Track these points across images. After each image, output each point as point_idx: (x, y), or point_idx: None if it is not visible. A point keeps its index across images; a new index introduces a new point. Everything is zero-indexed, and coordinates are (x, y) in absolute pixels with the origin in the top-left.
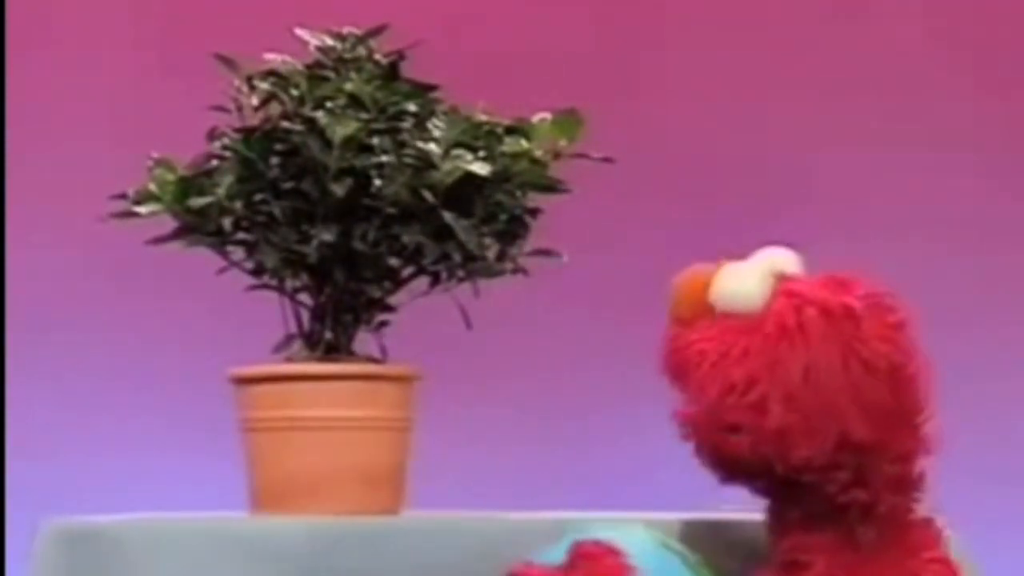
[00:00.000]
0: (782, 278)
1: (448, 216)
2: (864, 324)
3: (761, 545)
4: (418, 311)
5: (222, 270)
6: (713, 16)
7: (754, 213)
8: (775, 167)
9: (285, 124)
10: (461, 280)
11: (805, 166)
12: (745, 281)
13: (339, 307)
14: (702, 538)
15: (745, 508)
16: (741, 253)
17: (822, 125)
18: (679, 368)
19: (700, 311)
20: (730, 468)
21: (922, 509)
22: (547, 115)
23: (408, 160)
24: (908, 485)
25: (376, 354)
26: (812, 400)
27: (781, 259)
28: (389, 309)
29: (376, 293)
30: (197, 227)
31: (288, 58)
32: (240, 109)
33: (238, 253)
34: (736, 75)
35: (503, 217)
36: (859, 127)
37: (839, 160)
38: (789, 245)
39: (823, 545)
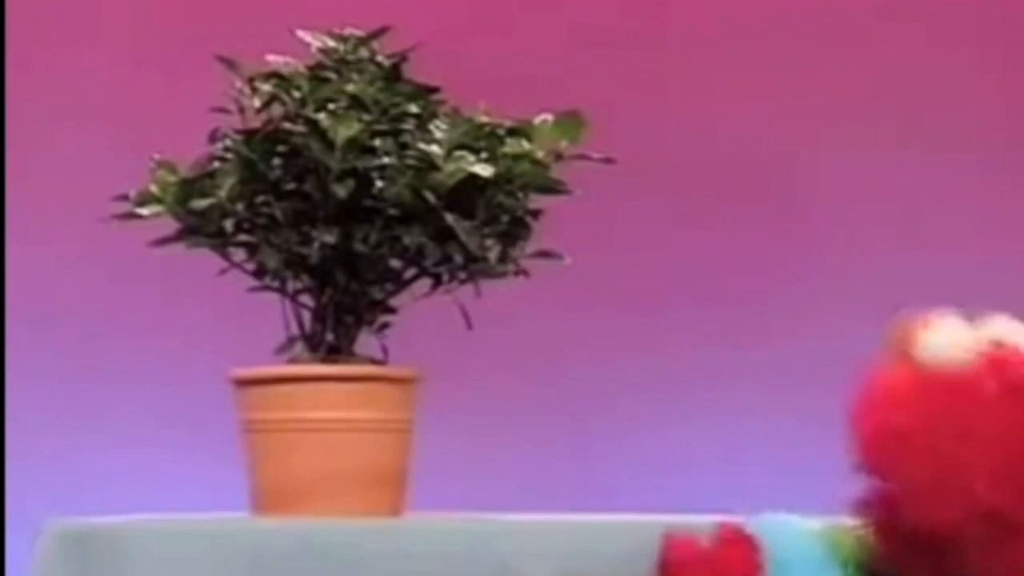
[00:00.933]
0: (997, 345)
1: (450, 217)
2: None
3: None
4: (419, 313)
5: (223, 271)
6: (714, 16)
7: (755, 213)
8: (776, 167)
9: (287, 125)
10: (463, 282)
11: (806, 166)
12: (949, 335)
13: (340, 309)
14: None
15: (748, 510)
16: (742, 253)
17: (823, 125)
18: (857, 394)
19: (906, 353)
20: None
21: None
22: (549, 116)
23: (410, 162)
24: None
25: (377, 356)
26: (955, 459)
27: (1006, 327)
28: (390, 311)
29: (377, 295)
30: (199, 228)
31: (290, 60)
32: (242, 111)
33: (240, 254)
34: (737, 75)
35: (505, 218)
36: (860, 127)
37: (840, 160)
38: (790, 246)
39: None
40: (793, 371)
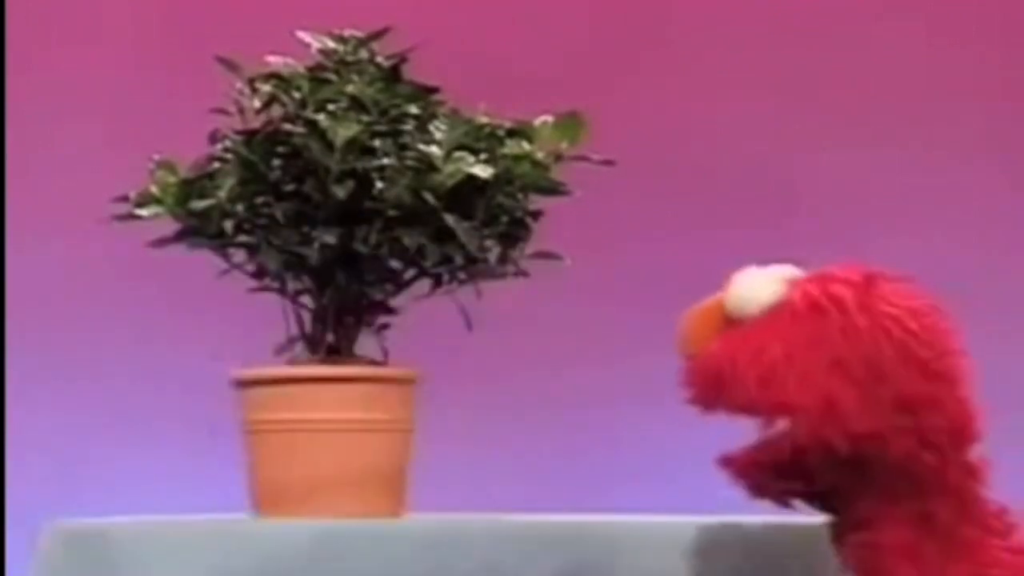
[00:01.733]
0: (792, 280)
1: (449, 218)
2: (887, 289)
3: (774, 549)
4: (419, 313)
5: (224, 272)
6: (714, 16)
7: (755, 214)
8: (776, 168)
9: (287, 126)
10: (462, 282)
11: (807, 166)
12: (759, 282)
13: (341, 309)
14: (707, 541)
15: (750, 512)
16: (742, 254)
17: (824, 126)
18: (711, 383)
19: (715, 334)
20: (791, 470)
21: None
22: (549, 117)
23: (409, 162)
24: (974, 460)
25: (378, 356)
26: (860, 365)
27: (789, 270)
28: (390, 311)
29: (377, 295)
30: (199, 229)
31: (290, 60)
32: (242, 111)
33: (240, 255)
34: (737, 76)
35: (504, 219)
36: (861, 128)
37: (841, 161)
38: (791, 246)
39: (899, 544)
40: None
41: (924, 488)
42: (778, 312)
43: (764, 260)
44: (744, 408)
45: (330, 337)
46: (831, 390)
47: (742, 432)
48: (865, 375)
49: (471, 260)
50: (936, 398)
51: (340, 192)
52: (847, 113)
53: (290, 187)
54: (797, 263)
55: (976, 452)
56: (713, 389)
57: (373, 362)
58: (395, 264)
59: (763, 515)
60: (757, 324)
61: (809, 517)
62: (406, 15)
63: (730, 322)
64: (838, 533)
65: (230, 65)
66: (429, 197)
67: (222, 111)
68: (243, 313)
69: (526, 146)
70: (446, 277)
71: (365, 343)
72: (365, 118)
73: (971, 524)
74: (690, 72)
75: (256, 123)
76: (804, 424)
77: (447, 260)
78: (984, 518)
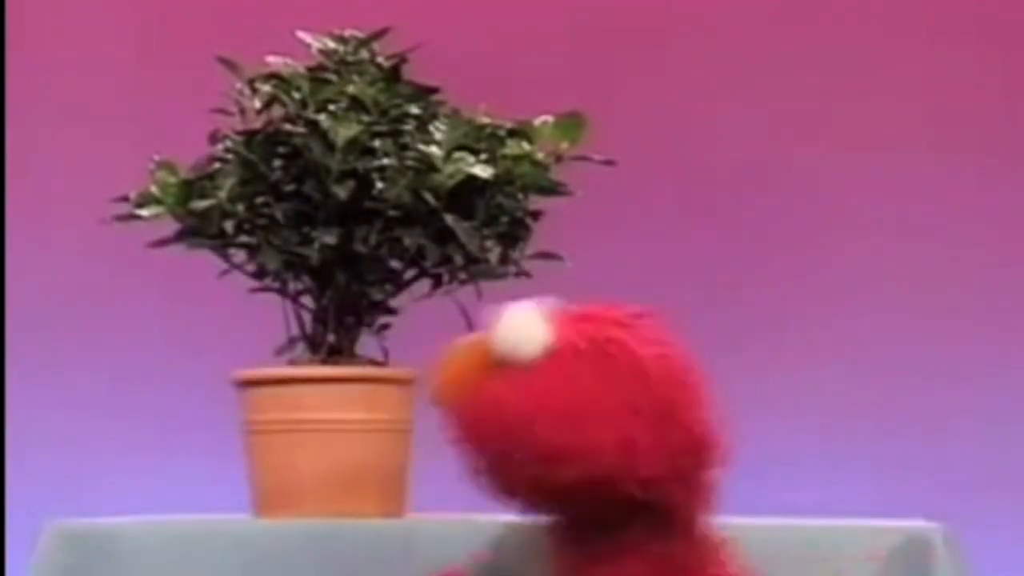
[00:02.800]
0: (555, 317)
1: (450, 218)
2: (645, 329)
3: (774, 549)
4: (419, 313)
5: (224, 273)
6: (714, 17)
7: (755, 214)
8: (776, 168)
9: (287, 127)
10: (463, 282)
11: (806, 167)
12: (528, 322)
13: (341, 310)
14: None
15: (744, 510)
16: (741, 254)
17: (823, 126)
18: (502, 430)
19: (482, 377)
20: (554, 504)
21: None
22: (549, 117)
23: (410, 163)
24: (709, 491)
25: (378, 356)
26: (650, 411)
27: (547, 304)
28: (390, 311)
29: (378, 295)
30: (199, 230)
31: (290, 61)
32: (242, 112)
33: (240, 256)
34: (736, 76)
35: (504, 219)
36: (860, 129)
37: (839, 160)
38: (790, 246)
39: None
40: (793, 372)
41: (670, 530)
42: (559, 354)
43: (765, 260)
44: (542, 454)
45: (330, 337)
46: (629, 432)
47: (741, 433)
48: (654, 419)
49: (471, 260)
50: (705, 445)
51: (340, 192)
52: (846, 113)
53: (290, 187)
54: (797, 263)
55: (712, 477)
56: (503, 437)
57: (373, 362)
58: (395, 264)
59: (762, 516)
60: (541, 367)
61: (811, 520)
62: (406, 15)
63: (499, 364)
64: (571, 557)
65: (230, 65)
66: (429, 197)
67: (222, 111)
68: (243, 313)
69: (526, 146)
70: (446, 277)
71: (365, 343)
72: (365, 118)
73: (703, 560)
74: (690, 72)
75: (256, 123)
76: (601, 465)
77: (447, 260)
78: (711, 551)
